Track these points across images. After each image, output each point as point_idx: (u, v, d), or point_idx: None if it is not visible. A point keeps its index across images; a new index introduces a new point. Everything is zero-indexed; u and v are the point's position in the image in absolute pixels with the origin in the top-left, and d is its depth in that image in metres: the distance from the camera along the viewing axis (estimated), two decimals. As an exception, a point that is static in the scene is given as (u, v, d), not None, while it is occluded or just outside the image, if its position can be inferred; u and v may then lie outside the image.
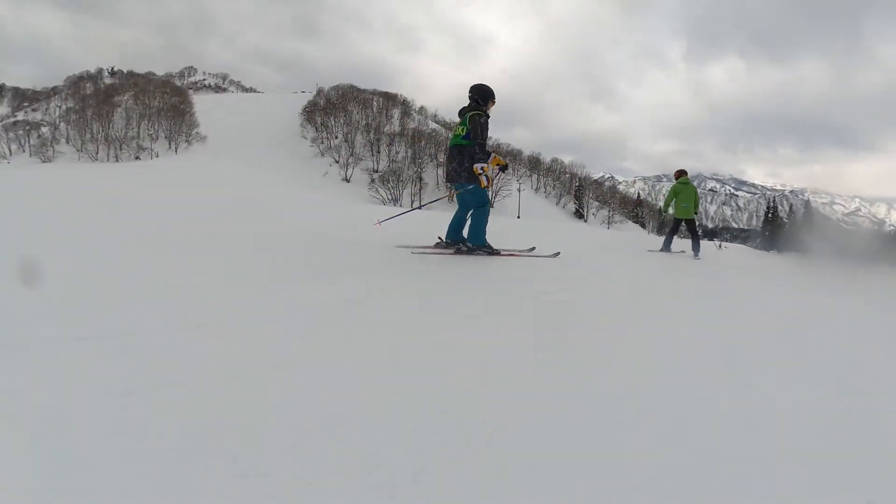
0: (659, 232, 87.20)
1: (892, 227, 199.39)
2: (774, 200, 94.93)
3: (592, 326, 3.07)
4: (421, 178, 71.03)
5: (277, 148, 78.84)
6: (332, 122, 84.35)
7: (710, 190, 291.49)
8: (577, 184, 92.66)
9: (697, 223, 9.85)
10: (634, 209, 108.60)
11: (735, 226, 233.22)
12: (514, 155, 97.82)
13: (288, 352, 2.06)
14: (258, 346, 2.10)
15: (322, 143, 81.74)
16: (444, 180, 5.66)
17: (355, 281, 3.75)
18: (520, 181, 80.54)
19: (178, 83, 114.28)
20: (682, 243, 10.84)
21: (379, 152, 79.56)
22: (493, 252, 5.40)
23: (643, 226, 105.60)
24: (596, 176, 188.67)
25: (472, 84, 5.51)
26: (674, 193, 9.57)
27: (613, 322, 3.24)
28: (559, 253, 5.95)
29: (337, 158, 78.86)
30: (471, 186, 5.32)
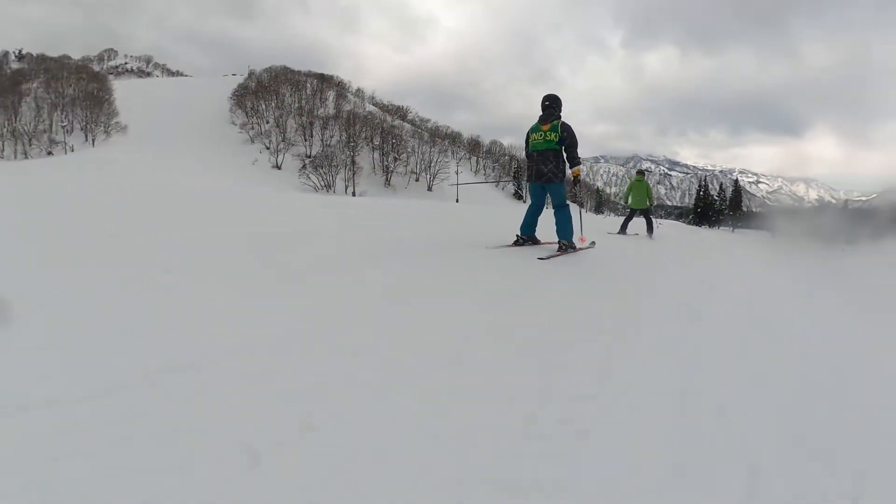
0: (596, 211, 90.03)
1: (810, 204, 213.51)
2: (705, 180, 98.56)
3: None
4: (354, 162, 69.27)
5: (204, 136, 73.90)
6: (264, 107, 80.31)
7: (645, 170, 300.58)
8: (515, 166, 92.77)
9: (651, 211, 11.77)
10: (572, 189, 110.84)
11: (669, 203, 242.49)
12: (454, 138, 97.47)
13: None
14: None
15: (252, 128, 77.65)
16: (527, 180, 5.82)
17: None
18: (459, 164, 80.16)
19: (97, 68, 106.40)
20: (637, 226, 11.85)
21: (312, 136, 76.59)
22: (574, 247, 5.77)
23: (581, 205, 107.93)
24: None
25: (545, 94, 5.92)
26: (630, 188, 11.62)
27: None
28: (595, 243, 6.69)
29: (268, 145, 74.90)
30: (556, 186, 5.80)
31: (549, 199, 6.12)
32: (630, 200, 11.50)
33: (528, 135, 5.91)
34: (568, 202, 5.85)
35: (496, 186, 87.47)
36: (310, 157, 71.48)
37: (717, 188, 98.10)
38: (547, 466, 1.59)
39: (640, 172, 12.06)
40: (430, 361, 2.36)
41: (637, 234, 10.86)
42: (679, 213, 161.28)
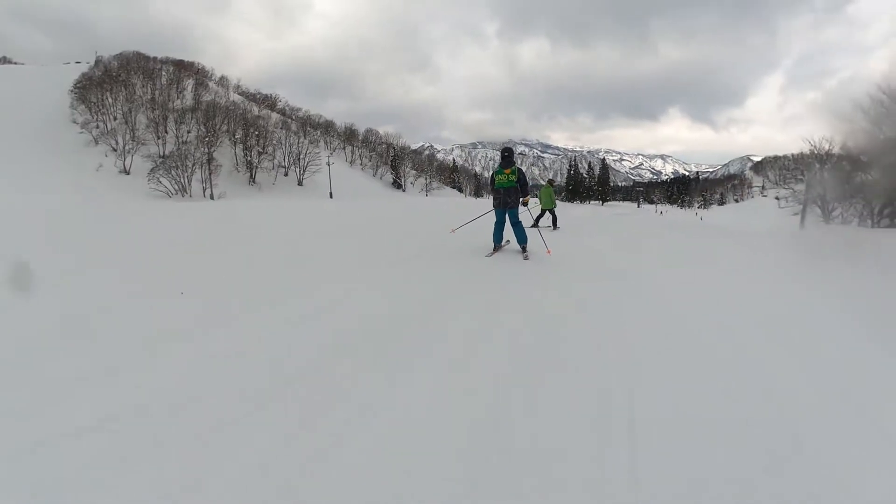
0: (475, 195, 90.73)
1: (667, 177, 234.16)
2: (575, 160, 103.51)
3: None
4: (211, 160, 59.07)
5: (36, 139, 60.03)
6: (111, 100, 67.91)
7: (519, 154, 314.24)
8: (392, 154, 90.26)
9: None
10: (451, 175, 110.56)
11: (543, 182, 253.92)
12: (326, 127, 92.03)
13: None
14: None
15: (97, 126, 65.08)
16: (495, 207, 7.98)
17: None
18: (331, 154, 75.60)
19: None
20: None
21: (166, 133, 66.88)
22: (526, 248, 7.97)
23: (460, 190, 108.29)
24: (416, 146, 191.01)
25: (504, 145, 9.21)
26: (541, 193, 14.83)
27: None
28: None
29: (114, 146, 62.53)
30: (514, 210, 7.90)
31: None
32: (541, 202, 14.66)
33: (493, 176, 7.96)
34: (519, 219, 7.89)
35: (374, 176, 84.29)
36: (162, 157, 61.44)
37: (587, 167, 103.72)
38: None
39: (550, 182, 15.50)
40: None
41: (549, 227, 13.44)
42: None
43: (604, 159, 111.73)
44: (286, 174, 67.33)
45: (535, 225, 12.33)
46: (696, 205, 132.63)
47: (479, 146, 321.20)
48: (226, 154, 63.46)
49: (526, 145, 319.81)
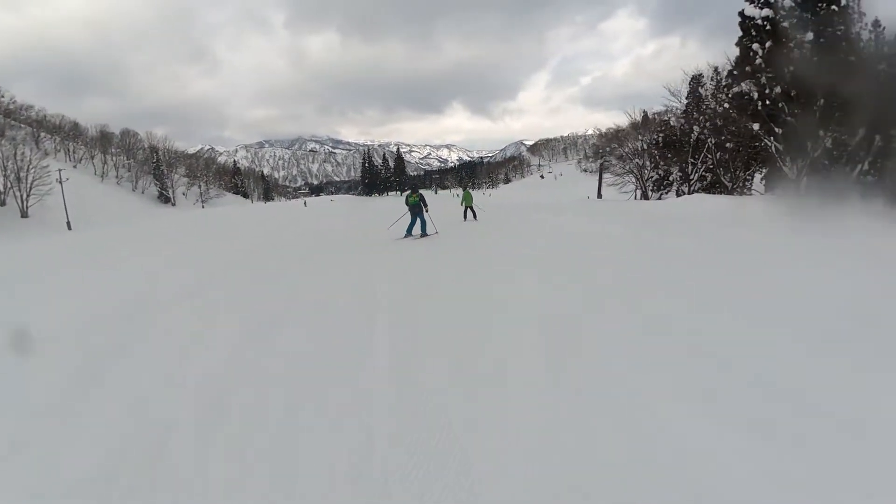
0: (264, 199, 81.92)
1: (453, 164, 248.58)
2: (369, 152, 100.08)
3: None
4: None
5: None
6: None
7: (310, 151, 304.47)
8: (155, 160, 74.75)
9: (475, 205, 19.15)
10: (233, 178, 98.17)
11: (337, 179, 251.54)
12: (70, 132, 73.39)
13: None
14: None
15: None
16: (410, 213, 13.61)
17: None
18: (75, 166, 60.14)
19: None
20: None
21: None
22: (428, 234, 13.37)
23: (246, 195, 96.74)
24: (194, 149, 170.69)
25: (411, 186, 21.64)
26: (464, 196, 19.36)
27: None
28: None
29: None
30: (425, 214, 13.38)
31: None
32: (465, 201, 18.86)
33: (406, 197, 13.70)
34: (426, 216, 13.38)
35: (134, 189, 69.38)
36: None
37: (381, 160, 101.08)
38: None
39: (467, 186, 31.30)
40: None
41: (468, 220, 18.36)
42: (348, 187, 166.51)
43: (398, 149, 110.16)
44: (3, 202, 47.42)
45: (465, 219, 18.32)
46: (486, 185, 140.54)
47: (267, 145, 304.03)
48: None
49: (317, 142, 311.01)
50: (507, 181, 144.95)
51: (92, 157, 71.13)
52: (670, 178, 35.75)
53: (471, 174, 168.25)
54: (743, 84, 18.05)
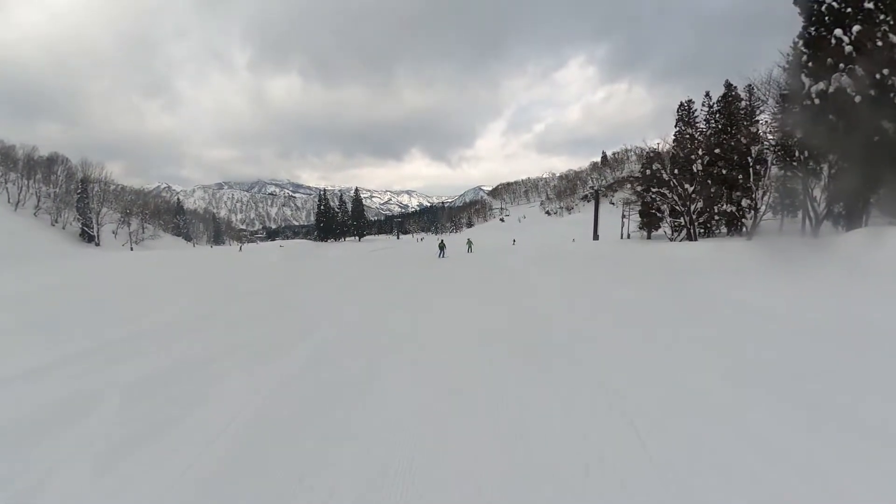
0: (214, 242, 75.44)
1: (414, 209, 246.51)
2: (324, 193, 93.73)
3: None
4: None
5: None
6: None
7: (269, 194, 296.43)
8: (80, 191, 62.96)
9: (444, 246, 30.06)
10: (174, 218, 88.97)
11: (296, 223, 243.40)
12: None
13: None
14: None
15: None
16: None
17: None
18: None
19: None
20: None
21: None
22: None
23: (188, 238, 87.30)
24: (151, 186, 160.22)
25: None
26: (468, 244, 35.21)
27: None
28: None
29: None
30: (442, 252, 30.34)
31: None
32: (441, 245, 30.11)
33: (440, 245, 31.71)
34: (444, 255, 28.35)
35: (53, 224, 59.69)
36: None
37: (338, 202, 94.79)
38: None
39: (469, 240, 37.00)
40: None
41: (447, 257, 27.10)
42: (306, 232, 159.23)
43: (357, 191, 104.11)
44: None
45: (441, 256, 28.22)
46: (449, 229, 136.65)
47: (226, 186, 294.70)
48: None
49: (277, 185, 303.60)
50: (471, 225, 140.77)
51: (6, 185, 60.38)
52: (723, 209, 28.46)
53: (433, 219, 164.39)
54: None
